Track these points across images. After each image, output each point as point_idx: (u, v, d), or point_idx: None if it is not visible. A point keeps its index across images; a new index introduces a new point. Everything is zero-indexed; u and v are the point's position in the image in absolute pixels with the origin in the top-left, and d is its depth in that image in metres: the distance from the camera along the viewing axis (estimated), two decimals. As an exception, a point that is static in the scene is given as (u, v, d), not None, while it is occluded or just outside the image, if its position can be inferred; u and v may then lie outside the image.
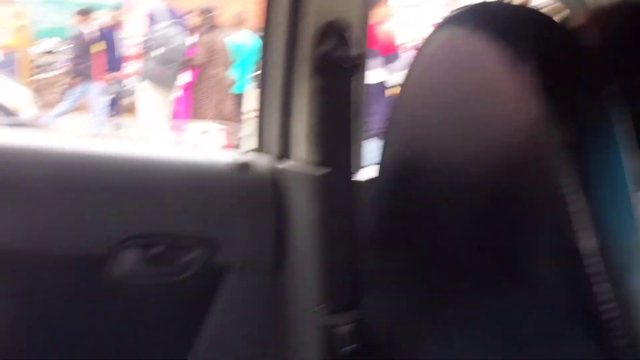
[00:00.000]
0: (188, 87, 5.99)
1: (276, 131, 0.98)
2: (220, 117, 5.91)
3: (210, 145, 4.77)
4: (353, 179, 0.90)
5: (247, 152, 1.03)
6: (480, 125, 0.53)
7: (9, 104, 3.84)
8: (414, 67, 0.71)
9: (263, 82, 1.00)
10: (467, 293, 0.57)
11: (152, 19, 5.85)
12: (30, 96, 4.46)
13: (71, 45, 6.85)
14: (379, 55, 4.05)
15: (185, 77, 5.87)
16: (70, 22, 7.72)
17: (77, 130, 6.29)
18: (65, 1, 8.60)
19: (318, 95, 0.89)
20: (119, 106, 6.52)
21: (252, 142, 1.04)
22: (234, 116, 6.20)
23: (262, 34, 0.97)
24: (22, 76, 6.74)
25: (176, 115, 5.96)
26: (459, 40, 0.58)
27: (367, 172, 0.93)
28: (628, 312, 0.39)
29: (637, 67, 0.50)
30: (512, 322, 0.51)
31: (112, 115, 6.40)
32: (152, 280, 0.97)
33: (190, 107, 5.96)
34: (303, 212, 0.94)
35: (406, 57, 4.36)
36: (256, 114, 1.03)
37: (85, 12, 6.86)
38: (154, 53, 5.52)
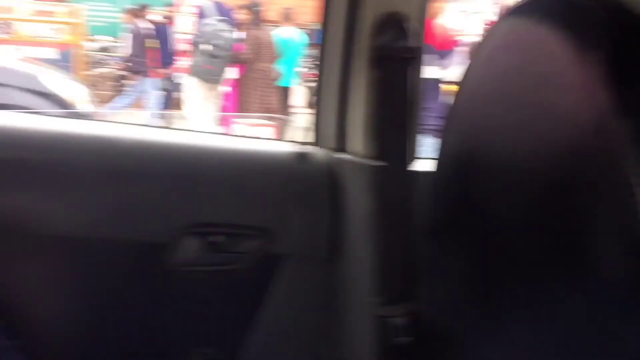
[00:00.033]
0: (235, 82, 6.07)
1: (333, 124, 0.99)
2: (267, 111, 5.97)
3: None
4: (409, 171, 0.90)
5: (304, 144, 1.04)
6: (546, 115, 0.53)
7: (66, 97, 3.98)
8: (476, 59, 0.71)
9: (320, 75, 1.01)
10: (528, 285, 0.57)
11: (201, 15, 5.94)
12: (85, 91, 4.61)
13: (127, 42, 7.05)
14: (433, 50, 4.01)
15: (233, 72, 5.95)
16: (122, 19, 7.94)
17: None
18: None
19: (375, 88, 0.89)
20: (171, 101, 6.67)
21: (305, 135, 1.06)
22: (281, 110, 6.25)
23: (320, 26, 0.98)
24: (78, 72, 6.96)
25: (224, 110, 6.05)
26: (525, 31, 0.57)
27: (423, 164, 0.93)
28: None
29: None
30: (575, 316, 0.50)
31: (164, 110, 6.55)
32: (210, 268, 0.99)
33: (238, 101, 6.04)
34: (359, 204, 0.95)
35: (460, 52, 4.29)
36: (313, 106, 1.04)
37: (140, 9, 7.05)
38: (202, 48, 5.61)
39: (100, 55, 8.32)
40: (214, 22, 5.68)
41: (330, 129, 1.00)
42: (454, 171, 0.77)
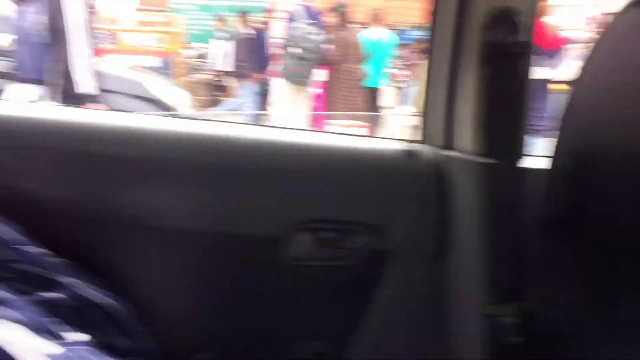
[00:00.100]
0: (324, 84, 6.15)
1: (440, 121, 0.99)
2: (355, 111, 6.00)
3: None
4: (519, 168, 0.89)
5: (411, 141, 1.05)
6: None
7: (170, 102, 4.21)
8: (595, 53, 0.69)
9: (428, 73, 1.01)
10: None
11: (291, 19, 6.08)
12: (186, 96, 4.85)
13: (231, 47, 7.34)
14: (541, 50, 3.88)
15: (322, 74, 6.03)
16: (214, 27, 8.25)
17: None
18: (214, 7, 9.19)
19: (485, 84, 0.89)
20: (266, 104, 6.87)
21: (412, 133, 1.07)
22: (369, 110, 6.26)
23: (428, 23, 0.98)
24: (177, 78, 7.32)
25: (315, 111, 6.14)
26: None
27: (533, 161, 0.92)
28: None
29: None
30: None
31: (262, 112, 6.76)
32: (321, 263, 1.02)
33: (327, 102, 6.12)
34: (467, 201, 0.94)
35: (569, 51, 4.13)
36: (421, 104, 1.04)
37: (243, 14, 7.33)
38: (291, 51, 5.73)
39: (197, 62, 8.71)
40: (303, 26, 5.79)
41: (438, 126, 1.00)
42: (571, 167, 0.75)
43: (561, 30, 4.41)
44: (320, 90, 6.16)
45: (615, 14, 0.65)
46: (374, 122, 6.33)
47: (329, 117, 5.96)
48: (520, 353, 0.86)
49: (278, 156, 1.00)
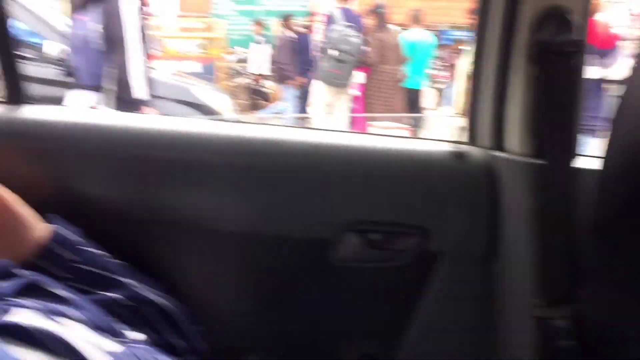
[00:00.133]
0: (363, 86, 6.14)
1: (489, 122, 0.98)
2: (395, 113, 5.98)
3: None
4: (570, 168, 0.87)
5: (460, 142, 1.05)
6: None
7: (214, 107, 4.28)
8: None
9: (476, 73, 1.00)
10: None
11: (329, 21, 6.10)
12: (229, 100, 4.93)
13: (272, 51, 7.42)
14: (595, 49, 3.79)
15: (360, 76, 6.03)
16: (253, 31, 8.34)
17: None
18: (254, 11, 9.30)
19: (535, 84, 0.88)
20: (306, 106, 6.92)
21: (460, 134, 1.06)
22: (409, 111, 6.22)
23: (476, 23, 0.98)
24: (220, 83, 7.44)
25: (354, 113, 6.14)
26: None
27: (586, 162, 0.90)
28: None
29: None
30: None
31: (303, 116, 6.82)
32: (370, 265, 1.02)
33: (366, 105, 6.11)
34: (517, 202, 0.93)
35: (622, 49, 4.02)
36: (462, 105, 1.04)
37: (286, 18, 7.40)
38: (329, 53, 5.75)
39: (238, 66, 8.82)
40: (341, 28, 5.81)
41: (487, 127, 0.99)
42: (624, 168, 0.74)
43: (612, 27, 4.29)
44: (358, 93, 6.16)
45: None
46: (415, 124, 6.29)
47: (369, 119, 5.96)
48: (572, 356, 0.84)
49: (328, 158, 1.01)
